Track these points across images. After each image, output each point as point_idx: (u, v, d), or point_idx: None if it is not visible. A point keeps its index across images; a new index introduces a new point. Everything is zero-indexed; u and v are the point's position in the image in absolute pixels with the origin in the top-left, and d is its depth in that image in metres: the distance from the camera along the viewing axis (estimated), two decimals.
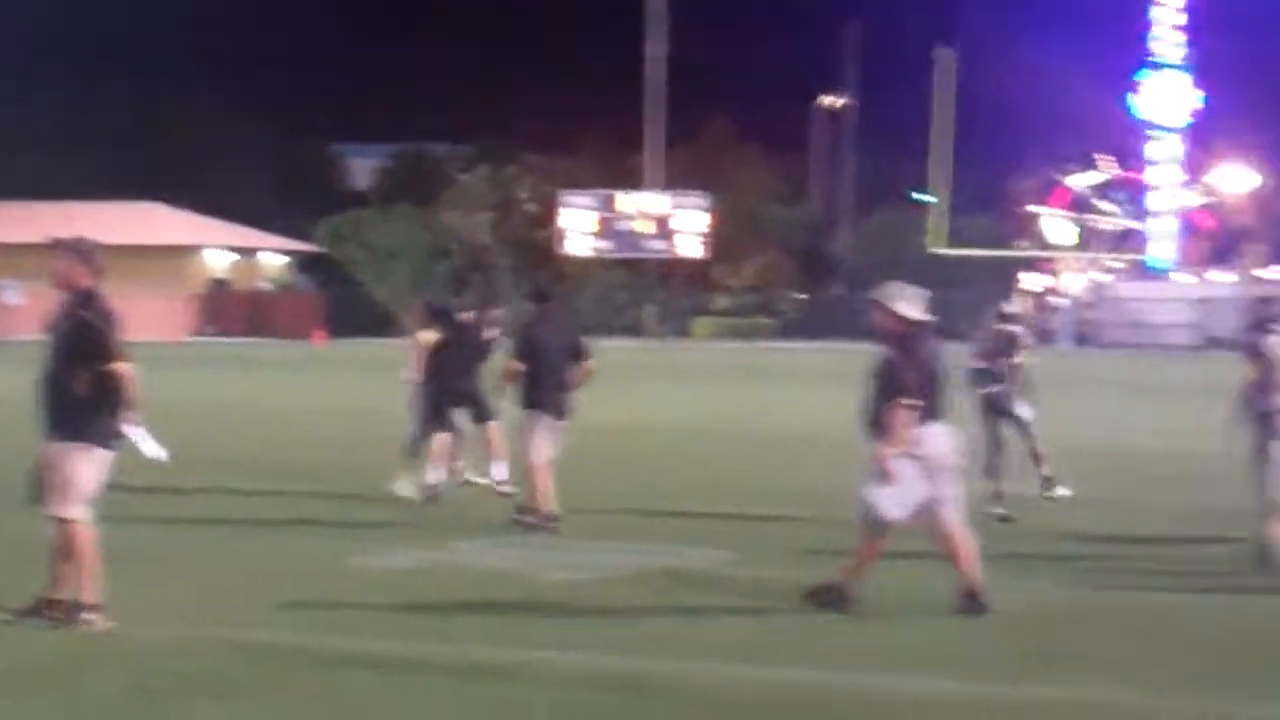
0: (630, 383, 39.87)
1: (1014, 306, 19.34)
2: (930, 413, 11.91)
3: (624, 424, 28.46)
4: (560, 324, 17.03)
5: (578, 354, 16.54)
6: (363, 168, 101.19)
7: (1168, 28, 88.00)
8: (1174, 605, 12.82)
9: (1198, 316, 78.78)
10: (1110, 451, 25.34)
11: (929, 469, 11.89)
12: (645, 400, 36.74)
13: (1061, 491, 18.35)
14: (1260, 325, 14.85)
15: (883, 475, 11.81)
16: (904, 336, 11.95)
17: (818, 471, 21.23)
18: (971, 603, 11.90)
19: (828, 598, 12.03)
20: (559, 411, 16.31)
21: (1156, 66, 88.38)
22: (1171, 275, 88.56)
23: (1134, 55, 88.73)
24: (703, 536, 15.82)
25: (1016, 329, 18.34)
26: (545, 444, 16.19)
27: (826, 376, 45.33)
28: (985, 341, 18.15)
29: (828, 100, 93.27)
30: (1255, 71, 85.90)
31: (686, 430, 29.20)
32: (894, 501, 11.85)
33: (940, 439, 11.99)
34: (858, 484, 12.22)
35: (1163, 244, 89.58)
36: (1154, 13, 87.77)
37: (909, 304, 12.08)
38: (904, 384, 11.75)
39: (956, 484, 12.13)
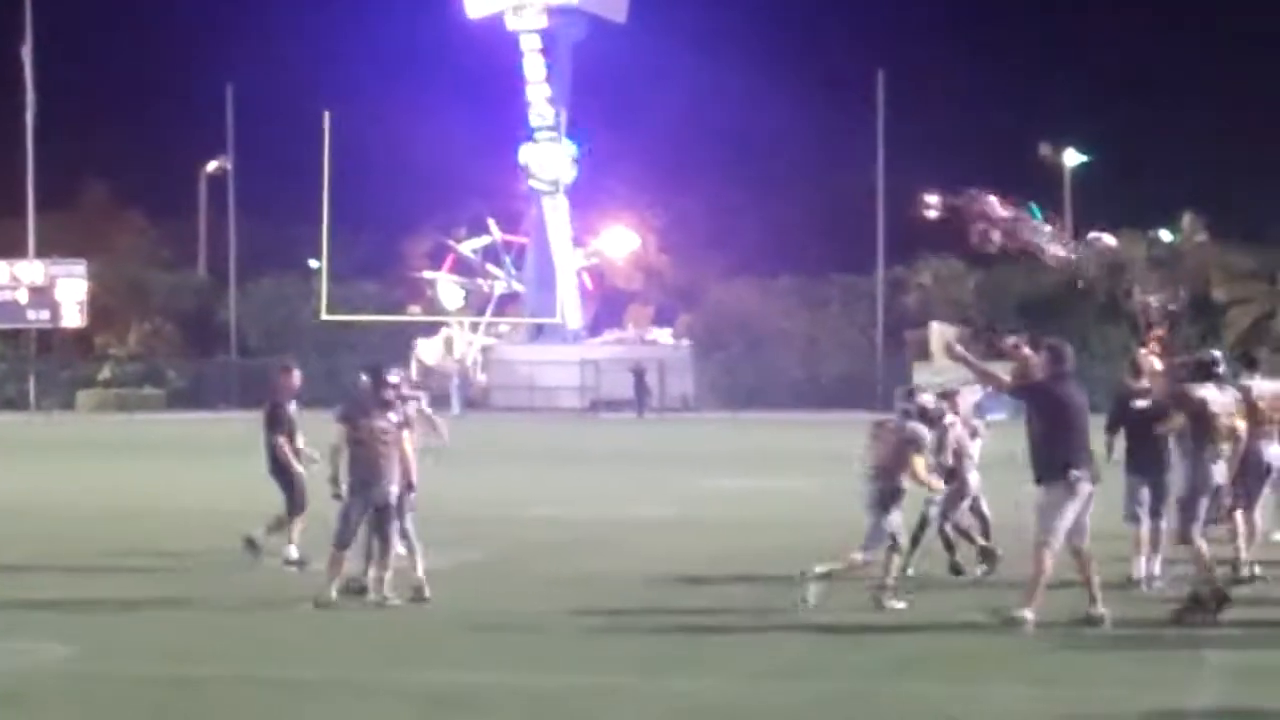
0: (12, 459, 40.01)
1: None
2: None
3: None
4: None
5: None
6: None
7: (543, 96, 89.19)
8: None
9: (586, 379, 79.81)
10: (496, 518, 24.92)
11: None
12: (27, 477, 34.98)
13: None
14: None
15: None
16: None
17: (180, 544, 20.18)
18: None
19: None
20: None
21: (539, 132, 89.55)
22: (569, 338, 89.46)
23: (520, 120, 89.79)
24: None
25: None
26: None
27: (210, 448, 43.99)
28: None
29: (211, 164, 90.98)
30: (632, 138, 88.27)
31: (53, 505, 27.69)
32: None
33: None
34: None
35: (556, 306, 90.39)
36: (529, 76, 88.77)
37: None
38: None
39: None
